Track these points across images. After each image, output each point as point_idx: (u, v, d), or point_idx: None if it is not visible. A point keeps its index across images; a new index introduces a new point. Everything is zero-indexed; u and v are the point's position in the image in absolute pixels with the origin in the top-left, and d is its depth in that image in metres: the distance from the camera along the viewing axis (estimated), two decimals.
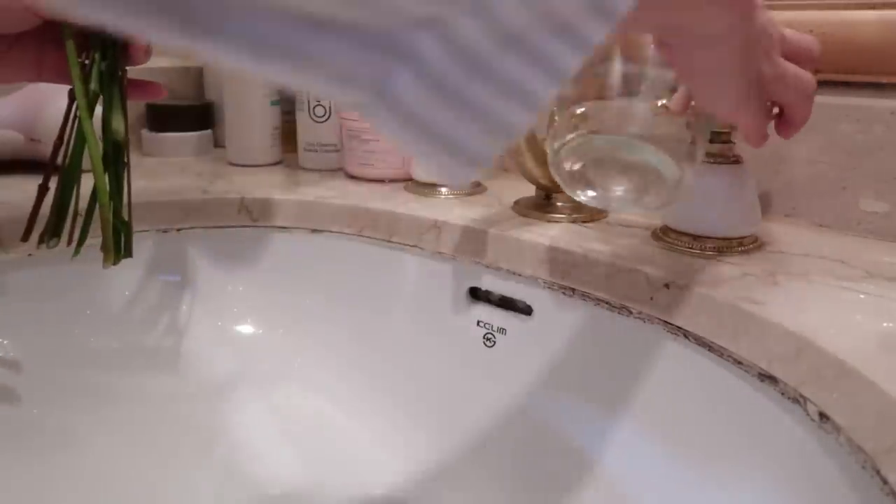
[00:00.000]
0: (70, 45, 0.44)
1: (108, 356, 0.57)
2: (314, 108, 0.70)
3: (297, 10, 0.15)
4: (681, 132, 0.38)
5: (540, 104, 0.19)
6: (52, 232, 0.48)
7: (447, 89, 0.17)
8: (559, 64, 0.18)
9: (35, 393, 0.53)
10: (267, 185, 0.65)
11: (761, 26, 0.32)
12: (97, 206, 0.47)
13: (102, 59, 0.46)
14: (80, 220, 0.49)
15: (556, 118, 0.39)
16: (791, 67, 0.35)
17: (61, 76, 0.45)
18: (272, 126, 0.74)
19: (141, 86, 0.49)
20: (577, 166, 0.39)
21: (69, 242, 0.49)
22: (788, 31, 0.37)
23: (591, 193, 0.40)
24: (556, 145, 0.39)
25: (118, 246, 0.49)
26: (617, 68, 0.37)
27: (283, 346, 0.60)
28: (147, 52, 0.47)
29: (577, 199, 0.40)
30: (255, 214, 0.61)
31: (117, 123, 0.46)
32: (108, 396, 0.54)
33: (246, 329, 0.61)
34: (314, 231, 0.61)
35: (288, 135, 0.76)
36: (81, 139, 0.46)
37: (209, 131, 0.83)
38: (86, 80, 0.45)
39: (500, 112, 0.18)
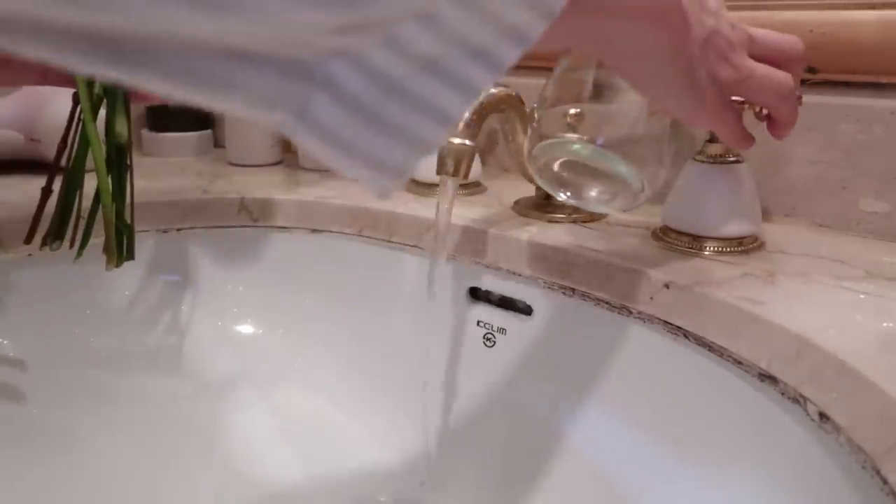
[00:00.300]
0: None
1: (109, 356, 0.57)
2: None
3: (218, 44, 0.16)
4: (663, 132, 0.39)
5: (453, 120, 0.20)
6: (56, 234, 0.48)
7: (363, 110, 0.19)
8: (473, 83, 0.20)
9: (36, 393, 0.53)
10: (267, 185, 0.65)
11: (710, 30, 0.32)
12: (100, 208, 0.47)
13: None
14: (81, 223, 0.49)
15: (536, 116, 0.40)
16: (760, 68, 0.35)
17: (66, 80, 0.45)
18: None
19: None
20: (553, 166, 0.41)
21: (71, 245, 0.49)
22: (761, 32, 0.36)
23: (566, 193, 0.41)
24: (532, 145, 0.40)
25: (121, 248, 0.49)
26: (591, 74, 0.38)
27: (283, 346, 0.60)
28: None
29: (553, 195, 0.42)
30: (255, 214, 0.61)
31: (121, 126, 0.46)
32: (108, 396, 0.54)
33: (246, 329, 0.61)
34: (314, 231, 0.61)
35: None
36: (85, 142, 0.47)
37: (209, 131, 0.83)
38: (90, 84, 0.45)
39: (414, 128, 0.20)
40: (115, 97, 0.46)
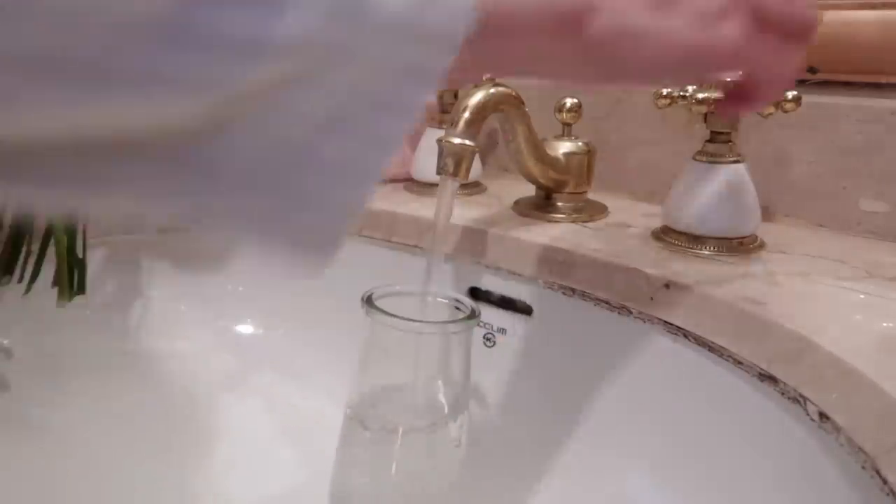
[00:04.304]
0: None
1: (108, 356, 0.57)
2: None
3: (96, 138, 0.15)
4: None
5: (373, 177, 0.19)
6: (5, 269, 0.48)
7: (267, 182, 0.17)
8: (385, 135, 0.19)
9: (34, 394, 0.53)
10: None
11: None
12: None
13: None
14: (32, 258, 0.49)
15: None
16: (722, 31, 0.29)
17: None
18: None
19: None
20: None
21: (20, 279, 0.49)
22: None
23: None
24: None
25: (72, 282, 0.48)
26: None
27: (283, 346, 0.60)
28: None
29: None
30: None
31: None
32: (107, 397, 0.54)
33: (246, 329, 0.61)
34: None
35: None
36: None
37: None
38: None
39: (333, 195, 0.18)
40: None
